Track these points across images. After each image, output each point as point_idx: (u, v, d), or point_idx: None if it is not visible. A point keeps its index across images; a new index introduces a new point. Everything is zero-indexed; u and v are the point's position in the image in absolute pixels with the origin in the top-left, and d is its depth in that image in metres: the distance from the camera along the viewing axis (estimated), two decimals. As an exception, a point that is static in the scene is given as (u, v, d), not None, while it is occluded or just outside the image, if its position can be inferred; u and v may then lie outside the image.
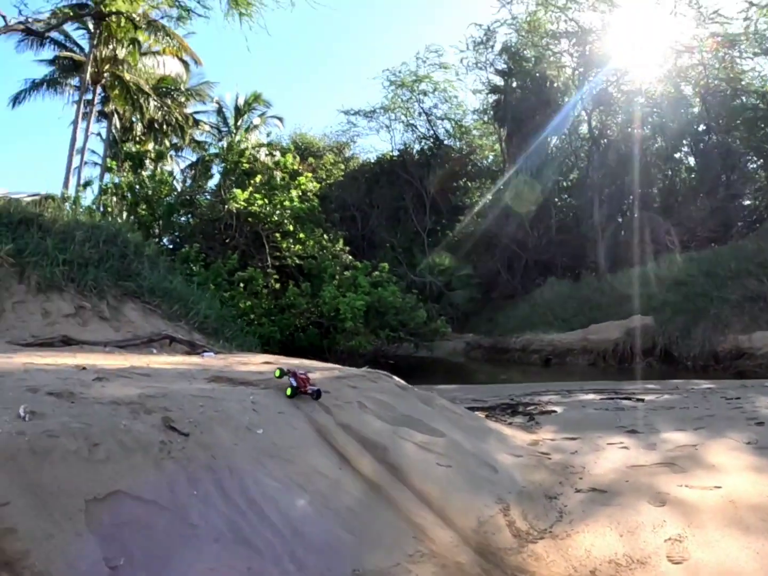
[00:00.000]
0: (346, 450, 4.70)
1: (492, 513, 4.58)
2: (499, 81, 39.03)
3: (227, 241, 20.15)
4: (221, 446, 4.01)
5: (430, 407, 6.59)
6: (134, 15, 28.22)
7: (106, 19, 28.55)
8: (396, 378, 7.39)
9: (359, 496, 4.24)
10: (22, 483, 3.24)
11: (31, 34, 27.28)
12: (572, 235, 34.64)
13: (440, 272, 34.95)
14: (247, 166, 21.44)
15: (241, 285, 18.20)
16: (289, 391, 5.22)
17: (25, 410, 3.79)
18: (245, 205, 19.73)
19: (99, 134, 40.72)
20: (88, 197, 26.31)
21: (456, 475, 5.00)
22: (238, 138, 26.28)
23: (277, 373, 5.51)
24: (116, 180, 22.52)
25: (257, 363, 7.74)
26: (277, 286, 19.21)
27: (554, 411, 9.06)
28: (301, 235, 20.47)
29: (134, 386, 4.81)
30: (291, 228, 20.22)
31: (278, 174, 21.58)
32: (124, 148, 27.68)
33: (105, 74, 33.07)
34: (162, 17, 29.47)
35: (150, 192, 21.13)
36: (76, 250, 11.04)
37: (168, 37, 32.03)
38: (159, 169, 26.59)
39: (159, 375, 5.80)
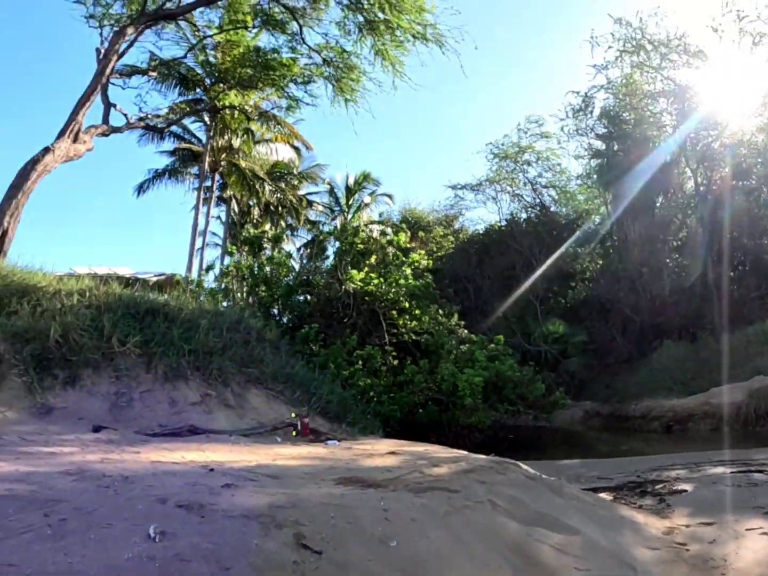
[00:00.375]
0: (481, 559, 4.33)
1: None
2: (600, 145, 38.29)
3: (345, 320, 20.17)
4: (355, 564, 3.75)
5: (560, 498, 6.14)
6: (246, 107, 29.58)
7: (221, 112, 30.05)
8: (523, 466, 6.98)
9: None
10: (154, 614, 3.08)
11: (151, 130, 28.87)
12: (686, 295, 33.04)
13: (554, 340, 33.98)
14: (361, 246, 21.59)
15: (360, 363, 18.10)
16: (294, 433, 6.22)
17: (155, 530, 3.66)
18: (361, 285, 19.80)
19: (219, 217, 42.65)
20: (209, 279, 27.31)
21: None
22: (350, 218, 26.68)
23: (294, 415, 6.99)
24: (236, 261, 23.09)
25: (382, 454, 7.49)
26: (395, 363, 18.99)
27: (684, 490, 8.35)
28: (417, 312, 20.30)
29: (263, 494, 4.63)
30: (406, 305, 20.10)
31: (391, 251, 21.63)
32: (243, 233, 28.59)
33: (222, 162, 34.67)
34: (272, 108, 30.88)
35: (269, 273, 21.55)
36: (201, 338, 11.21)
37: (279, 126, 33.49)
38: (277, 251, 27.23)
39: (286, 476, 5.63)
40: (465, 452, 8.07)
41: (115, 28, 19.90)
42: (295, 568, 3.54)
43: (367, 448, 8.34)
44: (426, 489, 5.18)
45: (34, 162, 16.43)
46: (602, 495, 7.91)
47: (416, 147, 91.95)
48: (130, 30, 19.49)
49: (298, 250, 40.48)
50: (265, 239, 27.01)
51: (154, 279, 26.85)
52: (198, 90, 29.57)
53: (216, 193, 38.10)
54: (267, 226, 39.07)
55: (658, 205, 37.16)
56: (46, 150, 16.71)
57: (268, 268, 21.64)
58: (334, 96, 23.83)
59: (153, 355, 10.30)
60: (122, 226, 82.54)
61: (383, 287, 19.96)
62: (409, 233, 25.33)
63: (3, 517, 3.71)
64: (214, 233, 42.48)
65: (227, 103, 28.18)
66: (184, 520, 3.91)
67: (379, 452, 7.70)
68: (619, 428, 26.16)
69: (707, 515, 6.67)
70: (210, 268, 26.28)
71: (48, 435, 7.30)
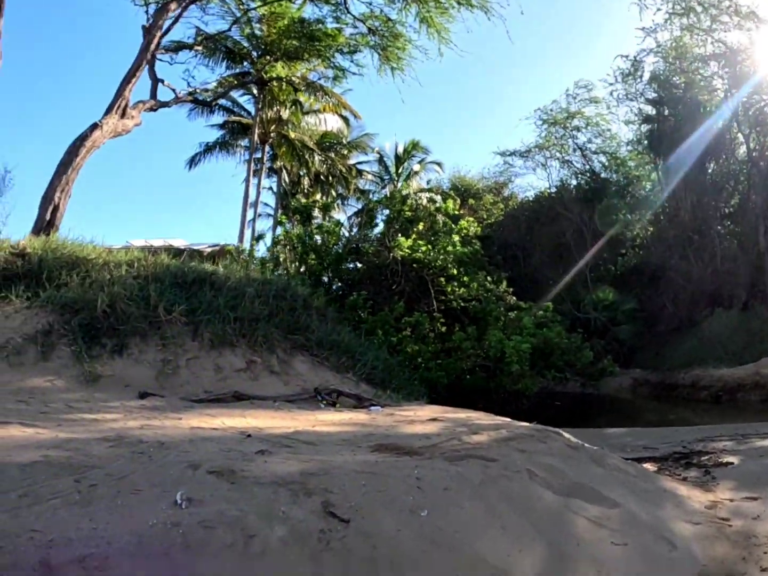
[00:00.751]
0: (515, 532, 4.15)
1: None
2: (650, 110, 37.09)
3: (393, 287, 20.02)
4: (383, 534, 3.61)
5: (602, 468, 5.89)
6: (293, 78, 29.41)
7: (268, 84, 29.95)
8: (565, 435, 6.74)
9: None
10: (173, 581, 2.99)
11: (200, 104, 28.95)
12: (738, 264, 32.02)
13: (604, 307, 33.35)
14: (409, 213, 21.36)
15: (408, 330, 17.98)
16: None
17: (182, 497, 3.57)
18: (409, 252, 19.60)
19: (270, 188, 42.72)
20: (261, 249, 27.41)
21: (632, 555, 4.33)
22: (399, 186, 26.46)
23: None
24: (286, 230, 23.11)
25: (423, 420, 7.34)
26: (443, 330, 18.81)
27: (730, 462, 8.01)
28: (465, 279, 20.01)
29: (296, 461, 4.52)
30: (455, 272, 19.83)
31: (441, 219, 21.36)
32: (293, 203, 28.58)
33: (271, 134, 34.67)
34: (319, 78, 30.63)
35: (318, 242, 21.52)
36: (247, 306, 11.20)
37: (327, 96, 33.25)
38: (327, 219, 27.19)
39: (323, 443, 5.52)
40: (508, 420, 7.86)
41: (159, 4, 19.81)
42: (321, 537, 3.43)
43: (409, 414, 8.20)
44: (463, 457, 5.01)
45: (82, 138, 16.56)
46: (646, 465, 7.65)
47: (464, 114, 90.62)
48: (173, 6, 19.43)
49: (349, 218, 40.31)
50: (315, 208, 26.97)
51: (208, 250, 27.07)
52: (245, 63, 29.48)
53: (266, 164, 38.13)
54: (317, 196, 39.04)
55: (709, 171, 36.02)
56: (94, 126, 16.81)
57: (317, 237, 21.62)
58: (381, 65, 23.49)
59: (199, 323, 10.31)
60: (176, 199, 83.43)
61: (431, 254, 19.74)
62: (458, 200, 25.05)
63: (35, 482, 3.68)
64: (266, 204, 42.70)
65: (274, 75, 28.08)
66: (214, 486, 3.82)
67: (421, 419, 7.56)
68: (668, 397, 25.79)
69: (752, 489, 6.36)
70: (260, 237, 26.41)
71: (94, 402, 7.35)
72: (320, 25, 23.63)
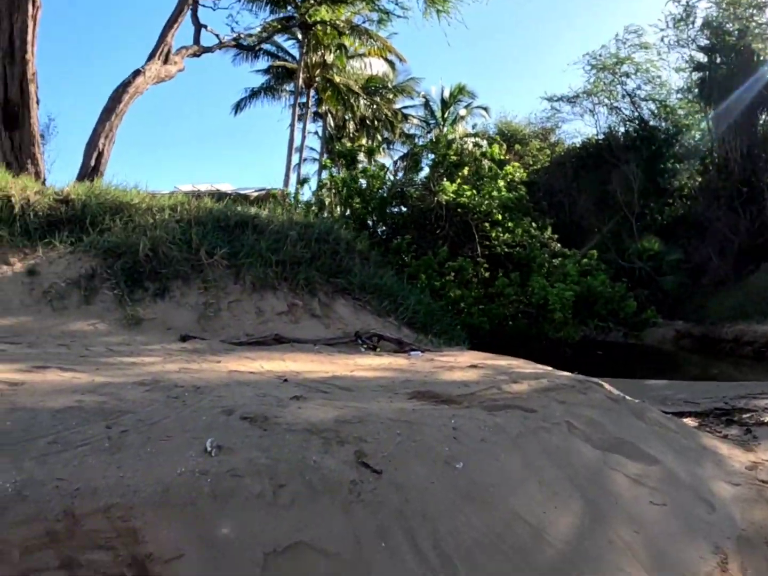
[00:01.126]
0: (552, 487, 3.96)
1: (708, 569, 3.68)
2: (702, 58, 35.32)
3: (437, 231, 19.72)
4: (416, 486, 3.44)
5: (642, 423, 5.64)
6: (338, 22, 28.81)
7: (312, 28, 29.40)
8: (606, 386, 6.48)
9: (562, 548, 3.49)
10: (200, 532, 2.87)
11: (244, 49, 28.62)
12: (788, 217, 30.86)
13: (649, 257, 32.43)
14: (455, 158, 20.87)
15: (452, 274, 17.72)
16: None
17: (212, 444, 3.45)
18: (454, 196, 19.20)
19: (316, 133, 42.34)
20: (306, 193, 27.23)
21: (669, 516, 4.11)
22: (445, 130, 25.96)
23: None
24: (331, 174, 22.88)
25: (463, 367, 7.14)
26: (487, 275, 18.49)
27: (773, 421, 7.67)
28: (510, 224, 19.57)
29: (331, 407, 4.37)
30: (499, 217, 19.39)
31: (486, 164, 20.84)
32: (337, 147, 28.23)
33: (316, 78, 34.21)
34: (364, 22, 29.95)
35: (363, 186, 21.27)
36: (289, 249, 11.05)
37: (372, 40, 32.56)
38: (371, 163, 26.84)
39: (359, 389, 5.36)
40: (549, 368, 7.61)
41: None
42: (352, 488, 3.28)
43: (450, 360, 8.01)
44: (501, 407, 4.81)
45: (125, 85, 16.44)
46: (687, 421, 7.35)
47: (512, 59, 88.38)
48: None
49: (394, 163, 39.78)
50: (360, 152, 26.62)
51: (255, 194, 26.95)
52: (288, 7, 28.91)
53: (312, 108, 37.75)
54: (363, 140, 38.60)
55: (761, 122, 34.44)
56: (137, 72, 16.65)
57: (362, 181, 21.32)
58: (426, 7, 22.77)
59: (241, 266, 10.21)
60: (223, 145, 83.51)
61: (476, 199, 19.32)
62: (504, 146, 24.42)
63: (65, 428, 3.58)
64: (311, 148, 42.42)
65: (318, 19, 27.51)
66: (246, 433, 3.70)
67: (461, 365, 7.36)
68: (710, 351, 25.15)
69: (794, 451, 6.07)
70: (305, 181, 26.12)
71: (135, 345, 7.31)
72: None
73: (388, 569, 2.96)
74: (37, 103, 14.00)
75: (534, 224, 20.99)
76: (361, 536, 3.06)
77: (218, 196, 14.16)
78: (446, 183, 19.59)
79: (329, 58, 33.56)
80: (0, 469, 2.96)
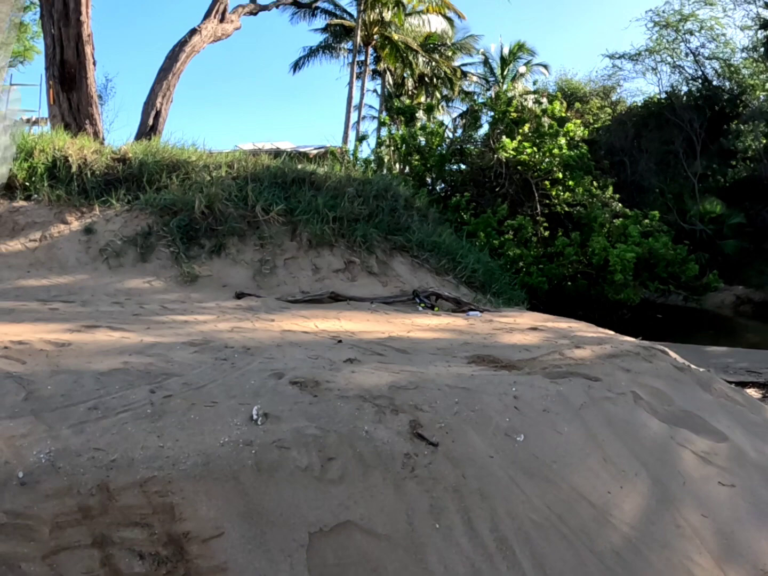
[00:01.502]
0: (617, 464, 3.59)
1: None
2: (769, 15, 33.46)
3: (497, 189, 19.21)
4: (474, 461, 3.14)
5: (709, 395, 5.19)
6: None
7: (369, -16, 28.85)
8: (672, 354, 6.03)
9: (627, 532, 3.14)
10: (241, 509, 2.64)
11: (301, 7, 28.25)
12: None
13: (711, 220, 31.09)
14: (514, 115, 20.17)
15: (511, 233, 17.25)
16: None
17: (258, 412, 3.20)
18: (514, 153, 18.60)
19: (375, 91, 41.72)
20: (365, 150, 26.87)
21: (738, 499, 3.73)
22: (504, 87, 25.18)
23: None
24: (390, 132, 22.47)
25: (523, 329, 6.75)
26: (546, 234, 17.96)
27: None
28: (570, 183, 18.89)
29: (386, 371, 4.07)
30: (560, 175, 18.74)
31: (546, 121, 20.09)
32: (395, 104, 27.67)
33: (374, 36, 33.66)
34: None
35: (422, 143, 20.81)
36: (346, 206, 10.73)
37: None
38: (430, 120, 26.29)
39: (416, 351, 5.05)
40: (611, 333, 7.16)
41: None
42: (406, 462, 2.99)
43: (509, 321, 7.63)
44: (564, 374, 4.43)
45: (181, 44, 16.18)
46: (750, 392, 6.88)
47: (572, 15, 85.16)
48: None
49: (454, 120, 38.84)
50: (419, 110, 26.10)
51: (314, 152, 26.68)
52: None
53: (370, 66, 37.15)
54: (422, 98, 37.86)
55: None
56: (193, 31, 16.38)
57: (421, 138, 20.84)
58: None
59: (297, 222, 9.95)
60: (283, 103, 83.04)
61: (536, 156, 18.69)
62: (564, 103, 23.59)
63: (107, 393, 3.37)
64: (370, 106, 41.84)
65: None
66: (295, 399, 3.43)
67: (520, 327, 6.97)
68: (771, 317, 24.07)
69: None
70: (363, 138, 25.61)
71: (189, 303, 7.14)
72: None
73: (441, 553, 2.68)
74: (94, 64, 13.85)
75: (595, 183, 20.24)
76: (413, 516, 2.78)
77: (278, 154, 13.87)
78: (506, 140, 18.97)
79: (387, 15, 32.88)
80: (35, 438, 2.76)
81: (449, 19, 36.70)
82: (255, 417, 3.16)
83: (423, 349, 5.17)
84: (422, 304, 8.89)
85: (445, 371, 4.27)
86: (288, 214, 9.95)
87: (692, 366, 5.96)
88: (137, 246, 8.76)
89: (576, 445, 3.59)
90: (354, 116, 33.88)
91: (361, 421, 3.21)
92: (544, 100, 24.47)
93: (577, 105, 35.50)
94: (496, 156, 19.03)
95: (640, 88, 57.50)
